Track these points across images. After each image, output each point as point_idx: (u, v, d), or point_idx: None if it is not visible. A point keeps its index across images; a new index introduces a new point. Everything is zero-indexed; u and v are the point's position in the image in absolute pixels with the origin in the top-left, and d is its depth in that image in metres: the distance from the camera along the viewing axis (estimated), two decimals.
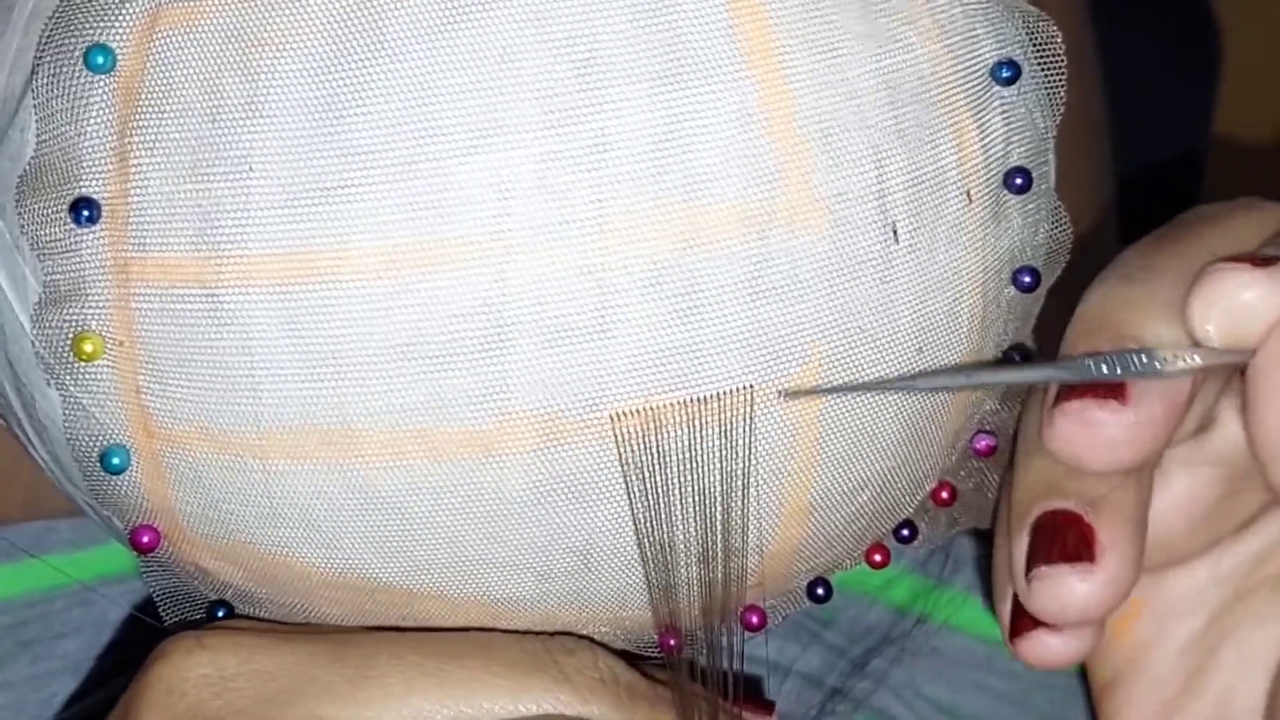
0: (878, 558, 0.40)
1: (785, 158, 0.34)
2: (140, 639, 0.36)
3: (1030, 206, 0.38)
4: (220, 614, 0.38)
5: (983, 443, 0.40)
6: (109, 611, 0.47)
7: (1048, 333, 0.40)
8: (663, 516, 0.35)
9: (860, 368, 0.35)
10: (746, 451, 0.34)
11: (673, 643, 0.37)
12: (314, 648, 0.35)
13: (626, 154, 0.33)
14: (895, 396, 0.36)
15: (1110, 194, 0.59)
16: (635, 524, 0.35)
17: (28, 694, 0.45)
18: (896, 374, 0.36)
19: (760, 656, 0.46)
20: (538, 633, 0.37)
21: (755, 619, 0.39)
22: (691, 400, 0.34)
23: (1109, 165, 0.58)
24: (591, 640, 0.37)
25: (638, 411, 0.34)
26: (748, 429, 0.34)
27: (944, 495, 0.40)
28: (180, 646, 0.36)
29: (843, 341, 0.35)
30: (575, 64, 0.33)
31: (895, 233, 0.35)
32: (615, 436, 0.34)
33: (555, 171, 0.33)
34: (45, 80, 0.35)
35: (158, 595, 0.38)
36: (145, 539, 0.37)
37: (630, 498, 0.34)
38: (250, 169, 0.33)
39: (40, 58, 0.35)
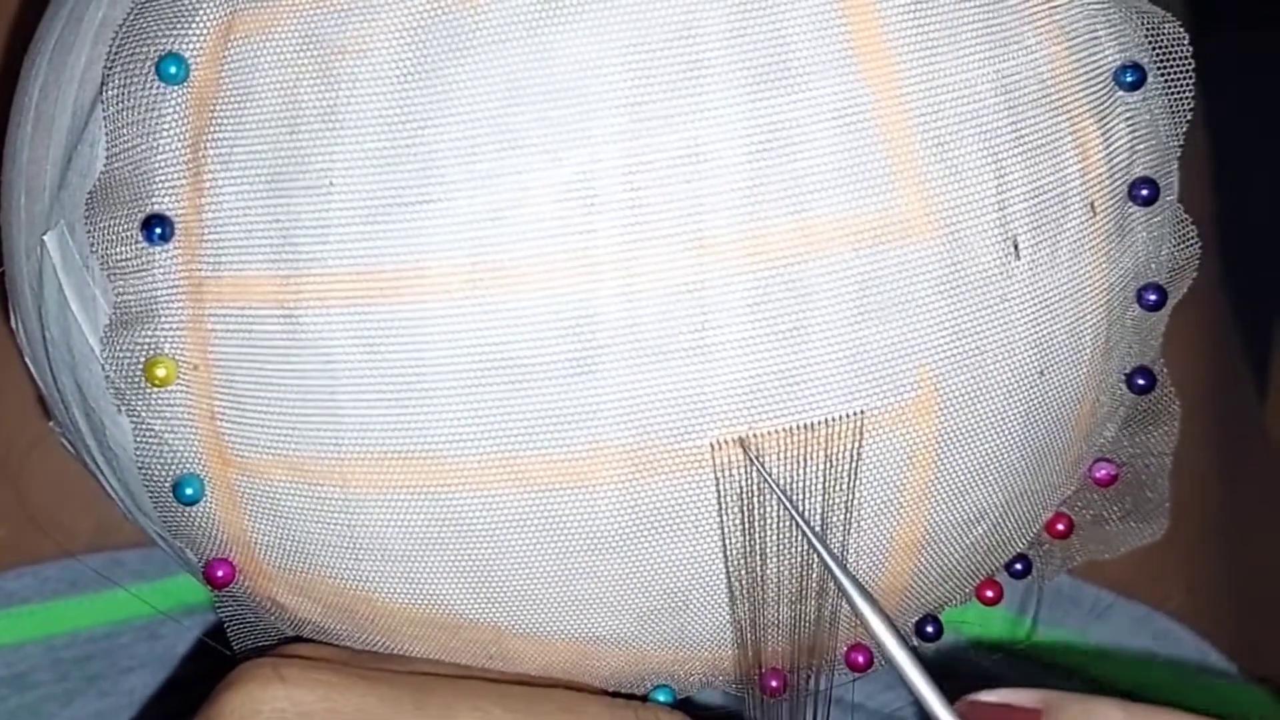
0: (989, 594, 0.38)
1: (898, 165, 0.31)
2: (204, 676, 0.35)
3: (1156, 220, 0.35)
4: None
5: (1102, 471, 0.37)
6: (176, 645, 0.45)
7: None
8: (760, 553, 0.32)
9: (977, 393, 0.33)
10: (852, 484, 0.32)
11: (775, 685, 0.35)
12: (395, 692, 0.33)
13: (724, 162, 0.31)
14: (1019, 419, 0.34)
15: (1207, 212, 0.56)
16: (726, 561, 0.32)
17: None
18: (1020, 402, 0.34)
19: (870, 706, 0.44)
20: (628, 695, 0.35)
21: (861, 659, 0.36)
22: (796, 428, 0.32)
23: (1203, 186, 0.56)
24: (685, 714, 0.35)
25: (739, 440, 0.32)
26: (854, 459, 0.32)
27: (1060, 527, 0.38)
28: (257, 675, 0.34)
29: (958, 365, 0.32)
30: (669, 66, 0.31)
31: (1016, 247, 0.33)
32: (714, 467, 0.32)
33: (645, 183, 0.31)
34: (115, 92, 0.33)
35: (232, 631, 0.36)
36: (220, 573, 0.35)
37: (725, 534, 0.32)
38: (331, 183, 0.31)
39: (110, 69, 0.33)
